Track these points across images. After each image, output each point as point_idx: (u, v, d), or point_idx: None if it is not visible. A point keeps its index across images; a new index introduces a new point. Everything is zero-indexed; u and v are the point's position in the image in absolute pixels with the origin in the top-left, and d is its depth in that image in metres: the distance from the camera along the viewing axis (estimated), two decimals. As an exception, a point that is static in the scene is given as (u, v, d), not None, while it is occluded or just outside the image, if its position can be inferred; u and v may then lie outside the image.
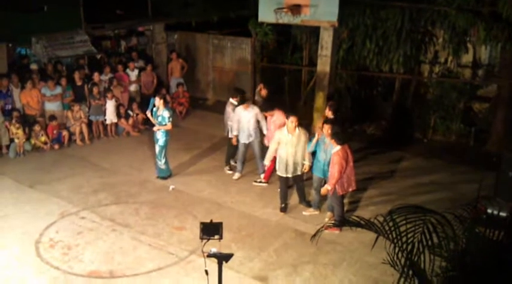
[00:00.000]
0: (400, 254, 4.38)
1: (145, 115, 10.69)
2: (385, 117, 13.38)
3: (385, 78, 13.60)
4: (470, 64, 13.20)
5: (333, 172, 8.07)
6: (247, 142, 10.12)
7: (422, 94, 13.33)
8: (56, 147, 11.81)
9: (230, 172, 10.68)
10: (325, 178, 8.70)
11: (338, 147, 8.05)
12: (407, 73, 13.06)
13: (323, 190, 8.44)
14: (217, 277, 5.38)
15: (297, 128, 8.67)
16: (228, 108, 10.37)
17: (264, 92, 10.70)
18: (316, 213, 9.03)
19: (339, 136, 8.12)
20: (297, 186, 9.24)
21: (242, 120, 9.96)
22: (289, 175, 8.90)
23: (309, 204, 9.13)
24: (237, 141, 10.22)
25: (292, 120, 8.61)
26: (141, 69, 14.02)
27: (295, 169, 8.86)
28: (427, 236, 4.29)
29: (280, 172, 8.90)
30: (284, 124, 8.86)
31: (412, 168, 11.14)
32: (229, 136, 10.40)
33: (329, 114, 9.42)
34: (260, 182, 10.11)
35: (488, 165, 9.62)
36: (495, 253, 4.41)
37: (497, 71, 12.53)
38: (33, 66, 12.75)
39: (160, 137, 10.01)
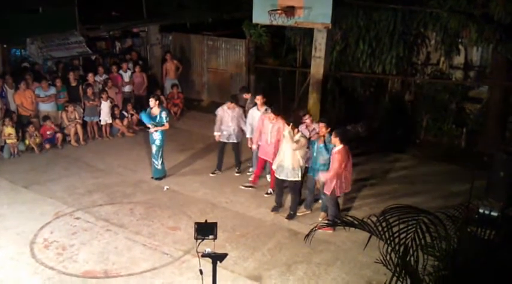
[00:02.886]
0: (392, 254, 4.44)
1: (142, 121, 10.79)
2: (378, 118, 13.46)
3: (378, 80, 13.69)
4: (462, 65, 13.31)
5: (333, 168, 8.15)
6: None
7: (415, 95, 13.43)
8: (47, 146, 11.80)
9: (213, 175, 10.66)
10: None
11: (340, 146, 8.14)
12: (400, 75, 13.16)
13: (321, 177, 8.40)
14: (211, 277, 5.43)
15: (298, 134, 8.62)
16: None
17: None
18: (308, 212, 9.10)
19: (342, 135, 8.22)
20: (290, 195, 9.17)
21: (255, 121, 10.00)
22: (281, 178, 8.88)
23: (293, 216, 8.98)
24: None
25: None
26: (132, 71, 14.04)
27: (281, 171, 8.81)
28: (420, 236, 4.35)
29: (275, 172, 8.98)
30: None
31: (404, 168, 11.22)
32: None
33: (305, 118, 9.48)
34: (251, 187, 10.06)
35: (480, 165, 9.72)
36: (486, 252, 4.48)
37: (489, 72, 12.63)
38: (25, 64, 12.79)
39: (157, 137, 10.07)
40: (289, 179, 8.80)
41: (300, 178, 8.82)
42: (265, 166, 10.25)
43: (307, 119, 9.42)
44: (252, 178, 10.20)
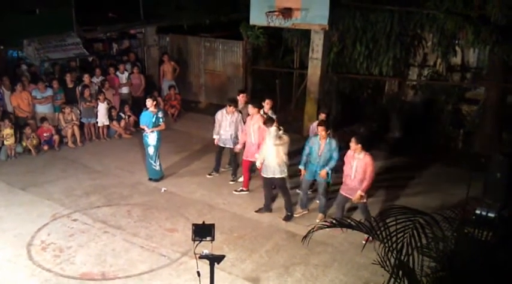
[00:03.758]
0: (390, 255, 4.45)
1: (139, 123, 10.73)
2: (375, 119, 13.47)
3: (375, 81, 13.71)
4: (458, 67, 13.34)
5: (369, 176, 8.09)
6: None
7: (411, 96, 13.46)
8: (45, 147, 11.78)
9: (210, 176, 10.65)
10: (315, 181, 8.85)
11: (363, 153, 8.12)
12: (397, 76, 13.18)
13: (356, 198, 8.22)
14: (209, 279, 5.43)
15: (280, 131, 8.65)
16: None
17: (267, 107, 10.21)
18: (305, 212, 9.11)
19: (363, 140, 8.22)
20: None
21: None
22: (269, 176, 8.84)
23: (290, 217, 8.98)
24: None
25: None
26: (130, 73, 14.04)
27: (267, 170, 8.80)
28: (417, 237, 4.36)
29: (262, 172, 8.98)
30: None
31: (401, 169, 11.23)
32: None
33: (322, 116, 9.47)
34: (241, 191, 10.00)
35: (477, 167, 9.74)
36: (483, 253, 4.48)
37: (486, 73, 12.66)
38: (22, 66, 12.80)
39: (154, 138, 10.07)
40: (276, 176, 8.76)
41: (286, 174, 8.81)
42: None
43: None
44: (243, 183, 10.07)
